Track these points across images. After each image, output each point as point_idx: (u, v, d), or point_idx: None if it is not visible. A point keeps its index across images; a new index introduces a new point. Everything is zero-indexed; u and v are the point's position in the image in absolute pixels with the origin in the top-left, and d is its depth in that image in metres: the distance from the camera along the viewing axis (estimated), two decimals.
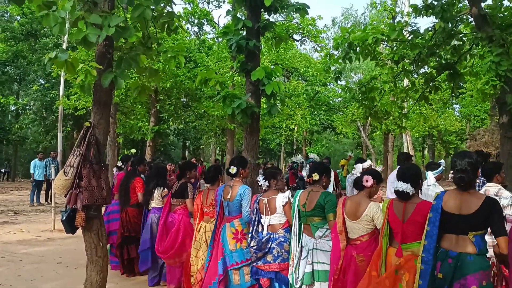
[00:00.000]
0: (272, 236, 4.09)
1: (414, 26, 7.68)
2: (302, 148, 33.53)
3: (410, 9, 8.13)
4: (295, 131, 25.66)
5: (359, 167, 6.57)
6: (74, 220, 3.93)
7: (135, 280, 5.84)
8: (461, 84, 8.07)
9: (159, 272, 5.57)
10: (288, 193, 4.19)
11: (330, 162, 9.69)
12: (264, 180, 4.28)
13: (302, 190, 4.09)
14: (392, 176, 6.16)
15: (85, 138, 4.00)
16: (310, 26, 17.39)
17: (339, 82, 8.74)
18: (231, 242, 4.39)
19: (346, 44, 7.45)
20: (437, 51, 7.33)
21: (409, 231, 3.16)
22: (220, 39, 18.09)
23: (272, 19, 6.71)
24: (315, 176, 3.94)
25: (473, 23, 6.83)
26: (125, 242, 5.85)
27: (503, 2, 6.92)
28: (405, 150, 23.84)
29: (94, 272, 4.12)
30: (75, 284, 5.25)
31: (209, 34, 25.36)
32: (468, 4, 6.99)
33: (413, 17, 8.54)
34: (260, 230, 4.18)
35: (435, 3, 6.95)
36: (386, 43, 7.94)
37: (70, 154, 4.03)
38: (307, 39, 21.01)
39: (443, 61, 7.63)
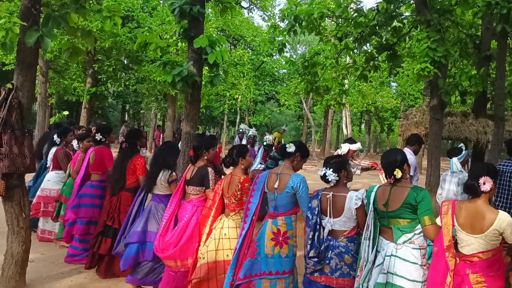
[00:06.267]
0: (331, 243, 3.21)
1: (359, 4, 7.79)
2: (246, 117, 33.64)
3: None
4: (239, 100, 25.58)
5: (346, 147, 6.21)
6: None
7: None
8: (399, 64, 8.36)
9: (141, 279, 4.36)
10: (362, 192, 3.21)
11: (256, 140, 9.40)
12: (333, 173, 3.27)
13: (379, 185, 3.23)
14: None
15: (6, 101, 3.68)
16: None
17: (283, 54, 8.74)
18: (269, 244, 3.46)
19: (292, 17, 7.40)
20: (379, 31, 7.50)
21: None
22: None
23: None
24: (398, 174, 3.04)
25: (414, 5, 7.04)
26: (103, 233, 4.73)
27: None
28: (344, 125, 24.74)
29: (15, 243, 3.91)
30: None
31: None
32: None
33: None
34: (322, 237, 3.26)
35: None
36: (331, 19, 8.00)
37: None
38: (255, 7, 20.72)
39: (384, 42, 7.83)
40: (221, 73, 6.09)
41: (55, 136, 6.15)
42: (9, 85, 3.78)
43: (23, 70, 3.87)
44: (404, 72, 22.66)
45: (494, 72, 6.73)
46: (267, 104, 37.25)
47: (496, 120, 6.38)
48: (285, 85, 31.32)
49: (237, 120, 34.83)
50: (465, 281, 2.70)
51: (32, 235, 4.26)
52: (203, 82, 6.09)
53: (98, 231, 4.77)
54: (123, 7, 15.86)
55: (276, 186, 3.51)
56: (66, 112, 11.12)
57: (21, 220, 3.89)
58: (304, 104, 26.77)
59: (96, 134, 5.29)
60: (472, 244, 2.73)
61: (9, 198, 3.85)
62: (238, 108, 32.71)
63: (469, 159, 6.01)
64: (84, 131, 6.71)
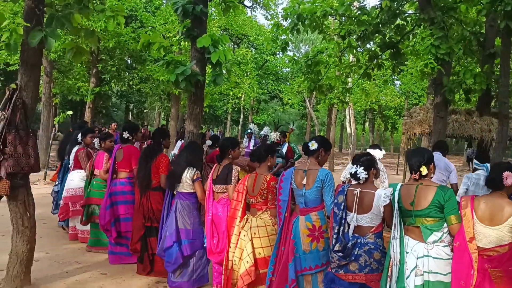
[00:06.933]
0: (359, 240, 3.23)
1: (362, 2, 7.77)
2: (249, 116, 33.66)
3: None
4: (242, 99, 25.60)
5: (378, 153, 6.28)
6: None
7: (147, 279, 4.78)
8: (403, 63, 8.34)
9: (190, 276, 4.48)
10: (390, 190, 3.21)
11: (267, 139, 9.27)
12: (364, 171, 3.27)
13: (402, 184, 3.24)
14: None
15: (11, 101, 3.70)
16: None
17: (286, 52, 8.75)
18: (306, 241, 3.55)
19: (295, 15, 7.38)
20: (382, 29, 7.48)
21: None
22: None
23: None
24: (424, 170, 3.07)
25: (418, 3, 7.02)
26: (147, 234, 4.80)
27: None
28: (347, 123, 24.70)
29: (20, 242, 3.93)
30: (1, 253, 4.97)
31: None
32: None
33: None
34: (346, 231, 3.28)
35: None
36: (334, 17, 7.99)
37: None
38: (258, 6, 20.70)
39: (387, 40, 7.81)
40: (224, 72, 6.09)
41: (79, 136, 6.27)
42: (13, 85, 3.80)
43: (27, 70, 3.90)
44: (408, 70, 22.59)
45: (498, 69, 6.70)
46: (270, 103, 37.26)
47: (500, 118, 6.35)
48: (288, 83, 31.32)
49: (241, 119, 34.87)
50: (486, 276, 2.79)
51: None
52: (206, 81, 6.09)
53: (140, 235, 4.78)
54: (127, 6, 15.90)
55: (304, 182, 3.59)
56: (70, 112, 11.18)
57: (25, 220, 3.92)
58: (308, 103, 26.77)
59: (124, 132, 5.33)
60: (489, 236, 2.82)
61: (13, 198, 3.87)
62: (241, 107, 32.72)
63: (473, 157, 5.99)
64: (97, 131, 6.82)
